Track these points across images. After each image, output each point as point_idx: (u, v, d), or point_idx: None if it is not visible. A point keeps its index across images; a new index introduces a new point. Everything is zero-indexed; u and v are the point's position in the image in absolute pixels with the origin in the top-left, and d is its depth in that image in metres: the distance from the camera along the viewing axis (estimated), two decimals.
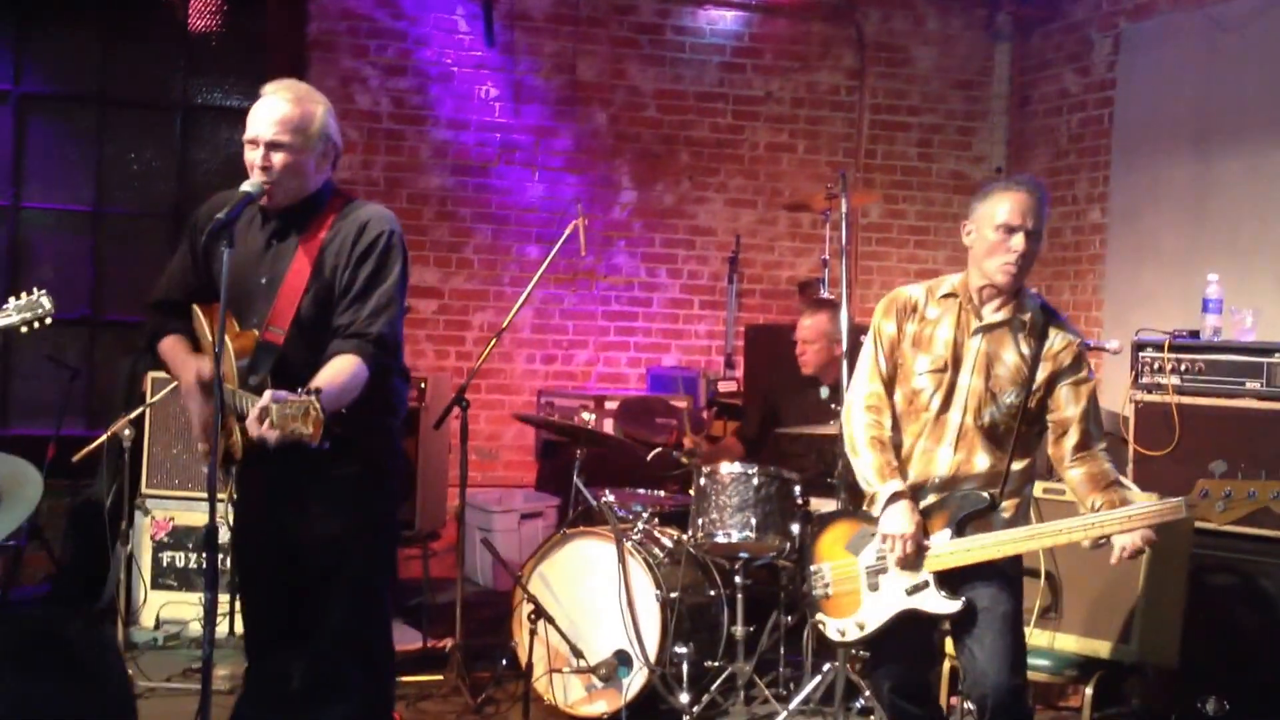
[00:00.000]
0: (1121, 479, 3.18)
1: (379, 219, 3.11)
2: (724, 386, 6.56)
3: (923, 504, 3.21)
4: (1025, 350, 3.19)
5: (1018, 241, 3.12)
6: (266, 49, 6.63)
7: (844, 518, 3.47)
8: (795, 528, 4.43)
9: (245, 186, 2.99)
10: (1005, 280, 3.16)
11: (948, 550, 3.13)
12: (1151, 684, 4.27)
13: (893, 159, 7.49)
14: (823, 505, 4.61)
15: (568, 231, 4.91)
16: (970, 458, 3.18)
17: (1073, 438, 3.19)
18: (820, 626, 3.38)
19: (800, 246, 7.33)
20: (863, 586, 3.27)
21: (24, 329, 4.03)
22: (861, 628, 3.26)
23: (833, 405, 4.83)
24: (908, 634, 3.24)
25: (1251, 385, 4.38)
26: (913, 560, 3.15)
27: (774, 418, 5.18)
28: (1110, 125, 6.67)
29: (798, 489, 4.46)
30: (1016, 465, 3.20)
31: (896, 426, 3.29)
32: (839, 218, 4.63)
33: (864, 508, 3.31)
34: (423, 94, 6.79)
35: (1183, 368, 4.56)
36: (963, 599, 3.12)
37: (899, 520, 3.15)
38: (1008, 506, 3.20)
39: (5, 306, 4.01)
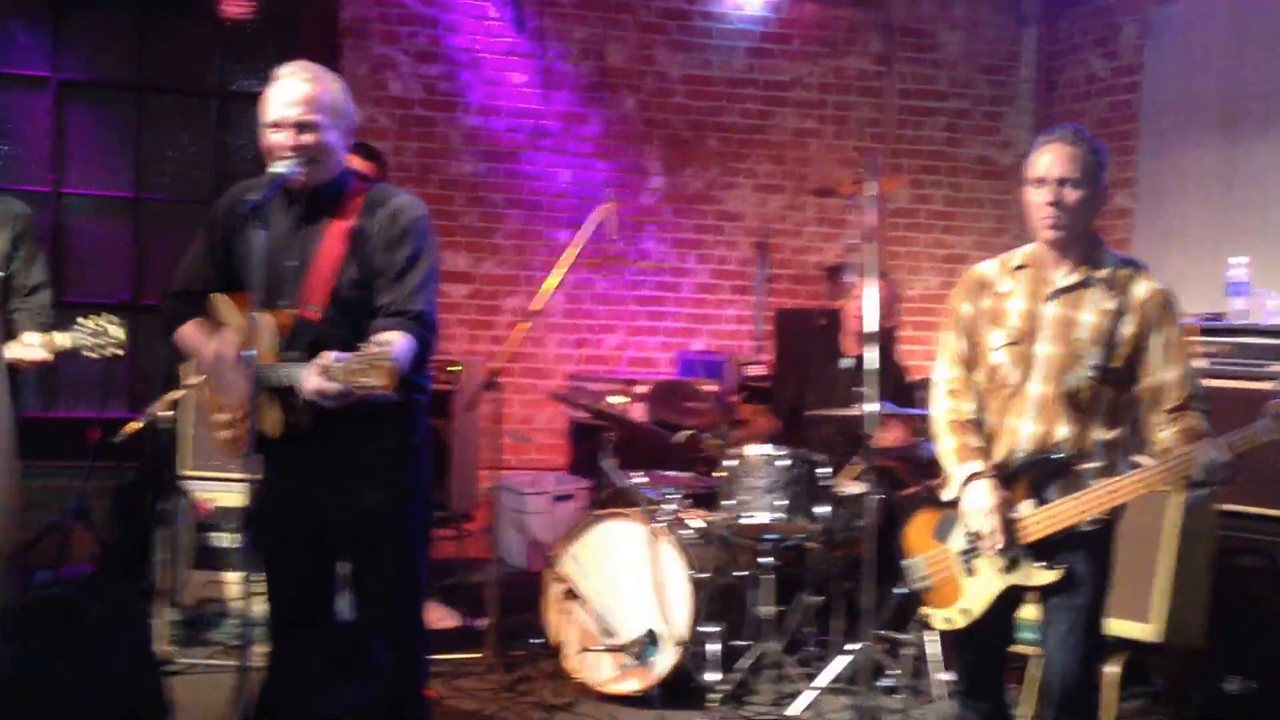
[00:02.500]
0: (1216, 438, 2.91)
1: (409, 204, 3.13)
2: (753, 371, 6.62)
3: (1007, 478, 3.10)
4: (1108, 305, 3.02)
5: (1049, 193, 3.00)
6: (299, 36, 6.70)
7: (923, 507, 3.35)
8: (823, 509, 4.50)
9: (276, 168, 2.98)
10: (1049, 235, 3.03)
11: (1033, 519, 3.03)
12: (1176, 664, 4.30)
13: (920, 144, 7.50)
14: (850, 487, 4.68)
15: (598, 217, 4.96)
16: (1051, 429, 3.04)
17: (1168, 403, 3.01)
18: (927, 618, 3.33)
19: (828, 231, 7.35)
20: (960, 572, 3.19)
21: (89, 354, 3.88)
22: (967, 613, 3.18)
23: (854, 382, 4.87)
24: (989, 612, 3.17)
25: (1279, 368, 4.39)
26: (1001, 537, 3.04)
27: (800, 398, 5.24)
28: (1138, 109, 6.66)
29: (825, 471, 4.53)
30: (1103, 434, 3.04)
31: (983, 407, 3.18)
32: (867, 203, 4.66)
33: (938, 490, 3.22)
34: (453, 80, 6.85)
35: (1210, 351, 4.58)
36: (1063, 566, 3.02)
37: (979, 499, 3.05)
38: (1093, 471, 3.04)
39: (79, 325, 3.88)
